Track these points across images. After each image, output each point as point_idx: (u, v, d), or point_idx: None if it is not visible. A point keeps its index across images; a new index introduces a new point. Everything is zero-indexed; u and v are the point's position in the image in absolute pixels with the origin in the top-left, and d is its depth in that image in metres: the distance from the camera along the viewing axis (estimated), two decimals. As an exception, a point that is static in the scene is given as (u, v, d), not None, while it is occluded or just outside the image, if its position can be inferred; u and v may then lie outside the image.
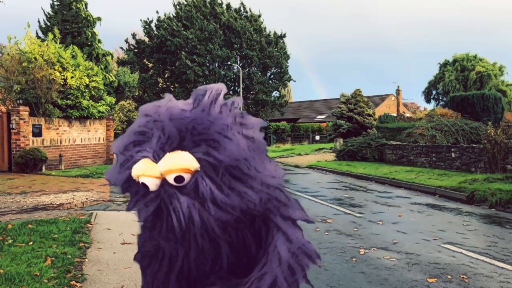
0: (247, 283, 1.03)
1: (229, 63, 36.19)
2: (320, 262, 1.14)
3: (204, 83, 37.49)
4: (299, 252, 1.07)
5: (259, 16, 39.45)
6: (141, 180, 0.96)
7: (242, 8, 39.40)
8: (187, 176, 0.95)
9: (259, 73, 37.88)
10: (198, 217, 0.93)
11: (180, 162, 0.95)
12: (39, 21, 22.61)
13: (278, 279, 1.01)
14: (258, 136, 0.99)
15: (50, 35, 15.86)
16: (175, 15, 37.93)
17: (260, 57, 37.52)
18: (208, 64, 36.78)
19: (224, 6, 38.63)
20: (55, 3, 21.67)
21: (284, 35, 39.95)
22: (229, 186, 0.95)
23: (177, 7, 38.48)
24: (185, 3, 38.13)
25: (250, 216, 1.01)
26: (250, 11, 39.43)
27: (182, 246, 1.00)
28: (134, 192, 0.99)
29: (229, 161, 0.95)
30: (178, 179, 0.94)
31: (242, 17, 38.76)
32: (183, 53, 35.57)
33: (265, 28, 39.18)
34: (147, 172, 0.96)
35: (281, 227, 1.05)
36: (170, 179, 0.94)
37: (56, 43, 15.48)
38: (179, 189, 0.94)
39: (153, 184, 0.96)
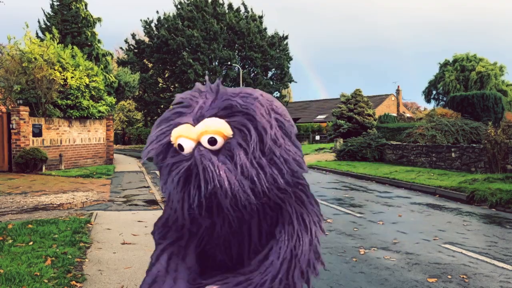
0: (250, 272, 1.10)
1: (229, 63, 36.19)
2: (318, 272, 1.21)
3: (205, 83, 37.41)
4: (303, 260, 1.15)
5: (261, 17, 39.36)
6: (179, 141, 1.06)
7: (243, 8, 39.33)
8: (220, 140, 1.06)
9: (261, 74, 38.00)
10: (226, 178, 1.00)
11: (215, 125, 1.06)
12: (39, 21, 22.62)
13: (278, 276, 1.08)
14: (287, 122, 1.12)
15: (48, 35, 15.85)
16: (176, 14, 37.85)
17: (262, 59, 37.59)
18: (209, 64, 36.77)
19: (225, 6, 38.56)
20: (55, 3, 21.67)
21: (287, 37, 39.91)
22: (257, 161, 1.04)
23: (178, 6, 38.38)
24: (187, 2, 38.05)
25: (268, 201, 1.11)
26: (252, 11, 39.36)
27: (209, 216, 1.06)
28: (169, 157, 1.07)
29: (259, 134, 1.06)
30: (212, 141, 1.04)
31: (243, 17, 38.71)
32: (184, 52, 35.51)
33: (265, 28, 39.13)
34: (185, 133, 1.07)
35: (295, 227, 1.16)
36: (205, 140, 1.05)
37: (54, 42, 15.47)
38: (212, 152, 1.03)
39: (188, 146, 1.05)
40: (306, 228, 1.17)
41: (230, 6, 38.83)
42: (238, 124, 1.06)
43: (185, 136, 1.06)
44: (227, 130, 1.06)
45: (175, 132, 1.08)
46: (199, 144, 1.05)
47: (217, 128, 1.06)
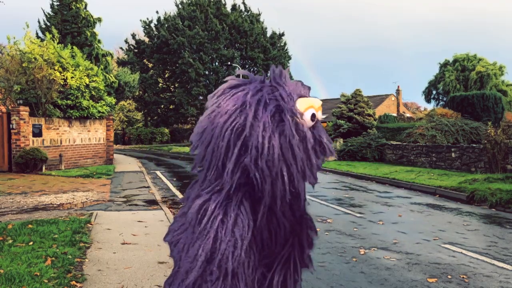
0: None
1: (229, 63, 36.20)
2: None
3: (205, 82, 37.47)
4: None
5: (259, 14, 39.44)
6: (311, 111, 1.21)
7: (243, 7, 39.41)
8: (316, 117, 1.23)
9: (262, 74, 38.13)
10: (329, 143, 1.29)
11: (316, 102, 1.21)
12: (39, 21, 22.65)
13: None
14: None
15: (48, 35, 15.84)
16: (177, 14, 37.84)
17: (263, 59, 37.64)
18: (210, 64, 36.80)
19: (228, 7, 38.67)
20: (55, 3, 21.68)
21: (283, 34, 40.01)
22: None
23: (179, 6, 38.37)
24: (188, 2, 38.07)
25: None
26: (250, 10, 39.47)
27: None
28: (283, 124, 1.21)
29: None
30: (313, 117, 1.20)
31: (245, 17, 38.82)
32: (186, 52, 35.51)
33: (266, 29, 39.27)
34: (316, 104, 1.21)
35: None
36: (309, 114, 1.19)
37: (54, 42, 15.47)
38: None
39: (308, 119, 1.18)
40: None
41: (234, 7, 38.93)
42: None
43: (316, 108, 1.19)
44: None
45: (308, 102, 1.19)
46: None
47: (317, 104, 1.22)
